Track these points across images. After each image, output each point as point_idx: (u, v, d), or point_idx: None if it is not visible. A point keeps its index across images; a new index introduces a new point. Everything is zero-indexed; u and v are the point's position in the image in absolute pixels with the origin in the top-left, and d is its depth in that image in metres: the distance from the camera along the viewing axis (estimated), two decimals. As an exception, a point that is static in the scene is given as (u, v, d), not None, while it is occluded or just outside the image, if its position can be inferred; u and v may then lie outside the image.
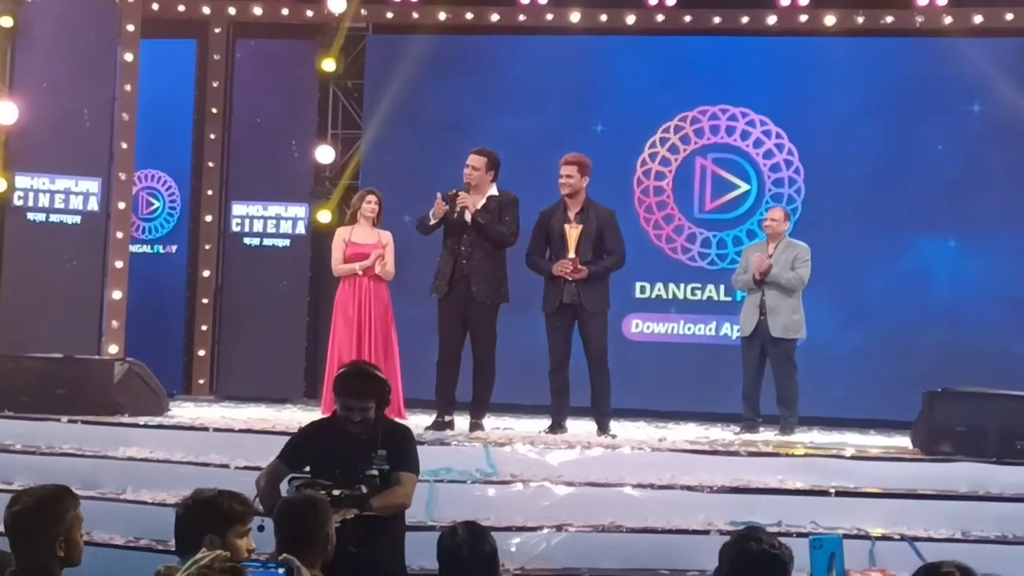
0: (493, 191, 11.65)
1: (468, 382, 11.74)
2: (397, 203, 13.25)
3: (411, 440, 7.45)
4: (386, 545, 7.10)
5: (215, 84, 16.72)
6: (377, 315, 12.10)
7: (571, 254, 11.40)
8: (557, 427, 11.54)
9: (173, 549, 5.80)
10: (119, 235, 14.99)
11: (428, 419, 11.86)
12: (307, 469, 7.13)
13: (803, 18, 15.86)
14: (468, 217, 11.46)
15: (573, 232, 11.41)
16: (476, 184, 11.58)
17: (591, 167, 11.68)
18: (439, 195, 11.51)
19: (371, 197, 12.40)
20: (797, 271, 12.49)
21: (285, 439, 7.71)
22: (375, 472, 6.99)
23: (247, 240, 16.39)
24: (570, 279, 11.43)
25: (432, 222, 11.51)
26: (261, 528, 6.85)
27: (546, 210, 11.74)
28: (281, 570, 5.17)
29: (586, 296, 11.48)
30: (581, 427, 11.74)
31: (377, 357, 11.67)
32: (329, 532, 5.89)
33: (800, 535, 8.95)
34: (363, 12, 16.34)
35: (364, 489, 6.88)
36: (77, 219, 14.97)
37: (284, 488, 7.01)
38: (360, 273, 12.13)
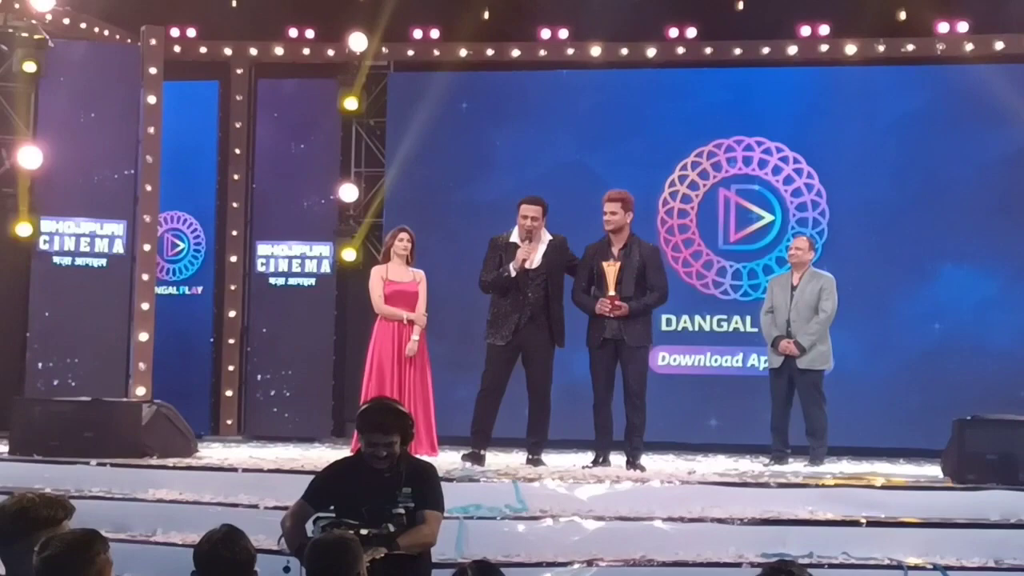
0: (548, 236, 11.79)
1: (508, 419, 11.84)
2: (422, 239, 13.25)
3: (436, 477, 7.42)
4: (415, 584, 7.09)
5: (238, 125, 16.76)
6: (416, 354, 12.19)
7: (610, 291, 11.44)
8: (601, 461, 11.61)
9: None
10: (145, 277, 15.02)
11: (456, 456, 11.85)
12: (332, 508, 7.10)
13: (824, 48, 15.86)
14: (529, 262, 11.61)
15: (611, 269, 11.47)
16: (536, 233, 11.64)
17: (634, 202, 11.73)
18: (521, 246, 11.58)
19: (403, 235, 12.47)
20: (822, 308, 12.49)
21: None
22: (402, 510, 6.97)
23: (272, 280, 16.41)
24: (611, 316, 11.46)
25: (514, 274, 11.56)
26: (287, 569, 6.86)
27: (591, 246, 11.80)
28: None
29: (627, 332, 11.55)
30: (614, 460, 11.72)
31: (415, 396, 11.82)
32: (361, 572, 5.86)
33: (832, 567, 8.98)
34: (384, 50, 16.41)
35: (391, 528, 6.86)
36: (103, 262, 15.04)
37: (310, 528, 6.98)
38: (405, 321, 12.18)
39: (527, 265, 11.61)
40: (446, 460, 11.86)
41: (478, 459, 11.56)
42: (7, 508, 5.72)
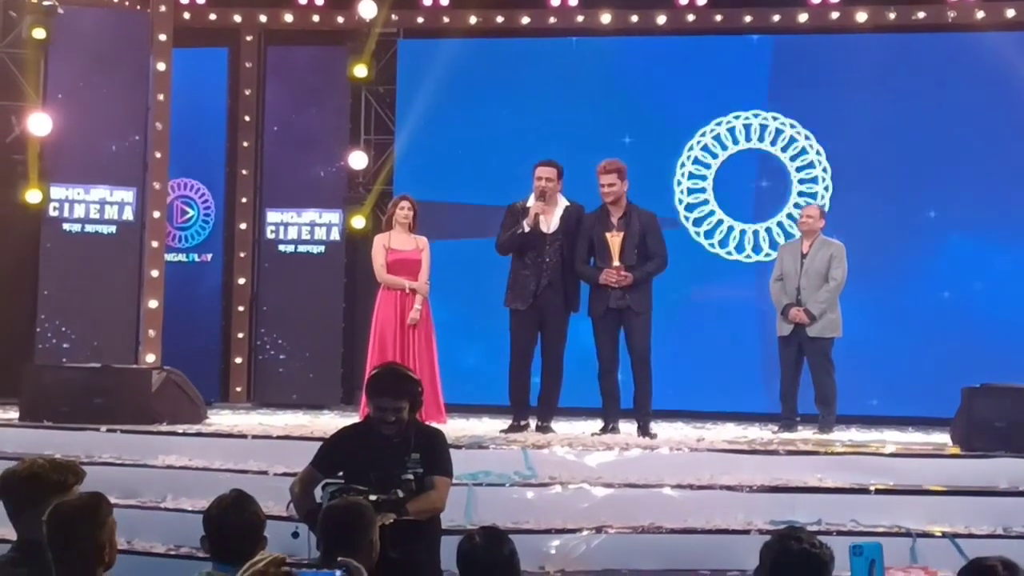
0: (564, 202, 11.83)
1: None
2: (431, 207, 13.25)
3: (444, 443, 7.43)
4: (424, 549, 7.09)
5: (247, 92, 16.75)
6: (420, 321, 12.19)
7: (615, 262, 11.47)
8: (610, 429, 11.63)
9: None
10: (154, 244, 15.01)
11: (465, 422, 11.87)
12: (340, 474, 7.11)
13: (835, 15, 15.81)
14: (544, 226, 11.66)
15: (615, 240, 11.50)
16: (551, 194, 11.63)
17: (627, 170, 11.72)
18: (534, 204, 11.63)
19: (404, 203, 12.47)
20: (832, 276, 12.50)
21: (322, 445, 7.71)
22: (411, 476, 6.98)
23: (282, 247, 16.41)
24: (616, 287, 11.46)
25: (528, 230, 11.57)
26: (296, 535, 6.88)
27: (588, 215, 11.82)
28: (338, 572, 5.15)
29: (632, 299, 11.58)
30: (623, 428, 11.74)
31: (421, 363, 11.85)
32: (374, 538, 5.88)
33: (841, 533, 8.98)
34: (394, 17, 16.36)
35: (400, 493, 6.87)
36: (112, 229, 15.04)
37: (318, 494, 7.00)
38: (407, 290, 12.18)
39: (544, 229, 11.63)
40: (455, 427, 11.90)
41: (519, 431, 11.61)
42: (18, 473, 5.76)
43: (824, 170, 15.45)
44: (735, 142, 15.66)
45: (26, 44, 14.78)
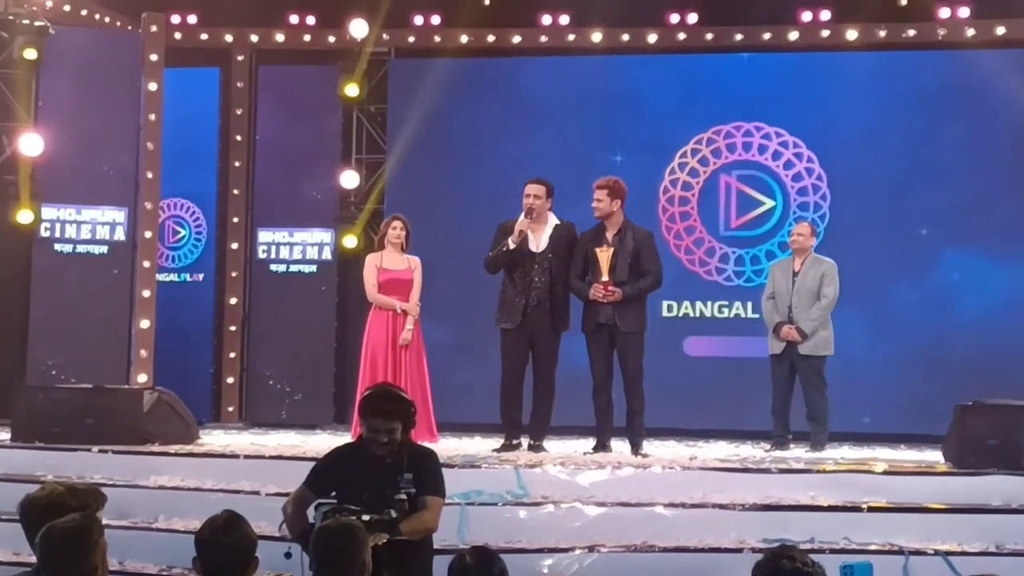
0: (554, 220, 11.81)
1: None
2: (423, 226, 13.27)
3: (437, 463, 7.44)
4: (417, 569, 7.09)
5: (239, 111, 16.77)
6: (411, 341, 12.19)
7: (604, 277, 11.45)
8: (602, 447, 11.62)
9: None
10: (146, 264, 15.00)
11: (457, 441, 11.86)
12: (333, 494, 7.11)
13: (825, 33, 15.86)
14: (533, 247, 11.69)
15: (604, 255, 11.48)
16: (539, 212, 11.65)
17: (625, 190, 11.72)
18: (520, 221, 11.62)
19: (396, 223, 12.47)
20: (824, 294, 12.51)
21: (315, 465, 7.70)
22: (403, 496, 6.98)
23: (273, 267, 16.41)
24: (604, 302, 11.47)
25: (512, 247, 11.56)
26: (288, 555, 6.87)
27: (585, 233, 11.81)
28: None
29: (621, 317, 11.54)
30: (615, 447, 11.74)
31: (412, 383, 11.82)
32: (367, 559, 5.87)
33: (833, 551, 8.97)
34: (385, 36, 16.41)
35: (393, 513, 6.86)
36: (104, 249, 15.02)
37: (311, 514, 7.00)
38: (399, 311, 12.18)
39: (533, 247, 11.64)
40: (447, 446, 11.90)
41: (511, 450, 11.60)
42: (38, 499, 5.75)
43: (819, 191, 15.46)
44: (725, 157, 15.67)
45: (18, 64, 14.78)
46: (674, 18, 16.11)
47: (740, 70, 15.85)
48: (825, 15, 15.79)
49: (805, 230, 12.96)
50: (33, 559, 5.68)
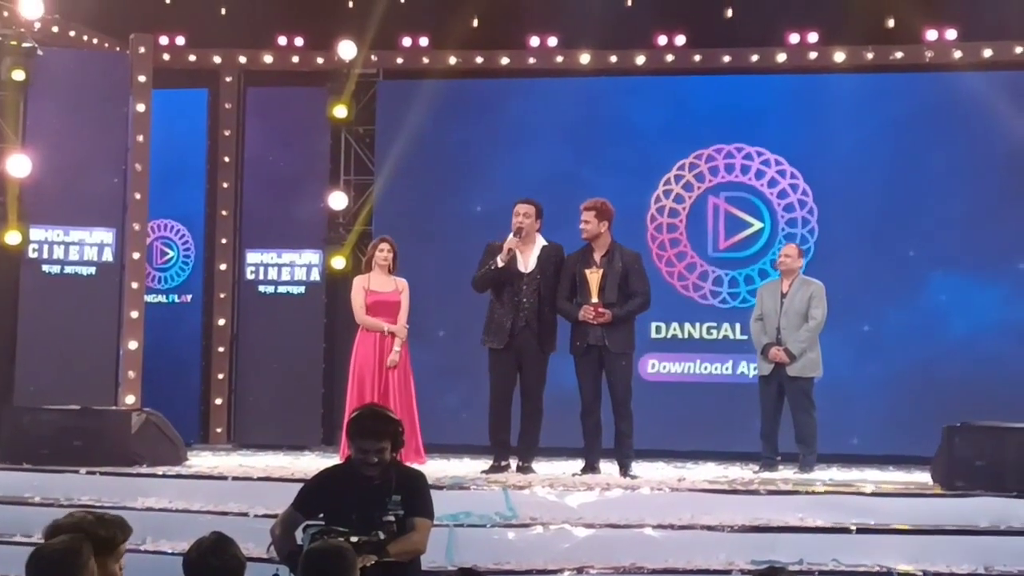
0: (542, 241, 11.82)
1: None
2: (411, 247, 13.27)
3: (425, 485, 7.42)
4: (405, 591, 7.08)
5: (227, 133, 16.75)
6: (398, 363, 12.17)
7: (593, 299, 11.45)
8: (591, 468, 11.59)
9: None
10: (134, 285, 15.00)
11: (446, 463, 11.85)
12: (321, 516, 7.10)
13: (813, 55, 15.90)
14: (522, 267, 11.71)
15: (593, 276, 11.50)
16: (528, 232, 11.65)
17: (612, 212, 11.73)
18: (509, 240, 11.62)
19: (384, 245, 12.48)
20: (812, 315, 12.52)
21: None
22: (392, 518, 6.96)
23: (262, 288, 16.38)
24: (593, 323, 11.46)
25: (501, 265, 11.56)
26: (276, 576, 6.85)
27: (573, 254, 11.82)
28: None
29: (610, 338, 11.54)
30: (604, 468, 11.73)
31: (399, 404, 11.83)
32: (355, 581, 5.87)
33: (822, 573, 9.01)
34: (373, 58, 16.42)
35: (382, 535, 6.85)
36: (92, 270, 15.01)
37: (299, 536, 6.98)
38: (386, 333, 12.17)
39: (521, 268, 11.64)
40: (435, 467, 11.89)
41: (500, 471, 11.58)
42: (63, 528, 5.70)
43: (805, 206, 15.48)
44: (709, 181, 15.69)
45: (5, 86, 14.74)
46: (662, 40, 16.14)
47: (729, 91, 15.85)
48: (813, 37, 15.83)
49: (792, 251, 12.96)
50: None
